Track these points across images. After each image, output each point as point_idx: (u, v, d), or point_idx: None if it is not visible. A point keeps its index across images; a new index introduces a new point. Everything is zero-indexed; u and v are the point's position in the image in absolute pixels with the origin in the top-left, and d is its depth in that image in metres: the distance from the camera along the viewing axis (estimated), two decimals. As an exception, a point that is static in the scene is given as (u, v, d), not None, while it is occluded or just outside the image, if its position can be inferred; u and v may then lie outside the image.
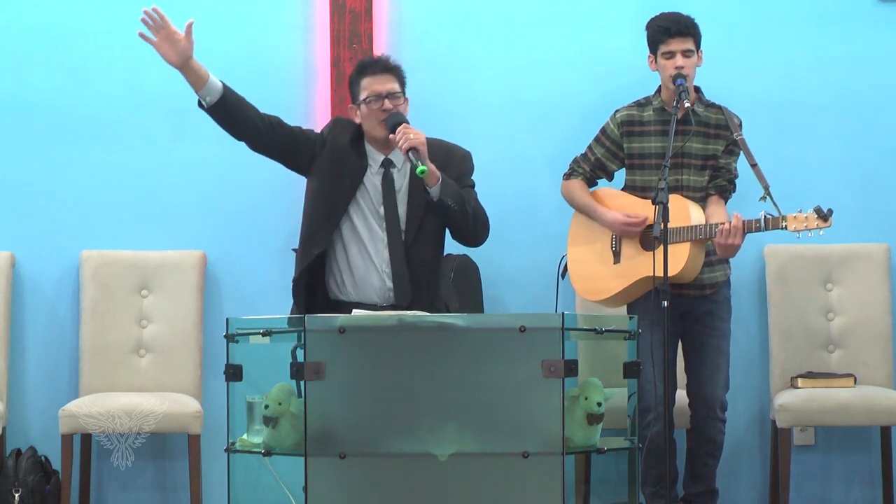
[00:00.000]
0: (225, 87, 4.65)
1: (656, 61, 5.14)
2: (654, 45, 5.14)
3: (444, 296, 4.87)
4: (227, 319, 4.08)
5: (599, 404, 3.93)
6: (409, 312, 4.25)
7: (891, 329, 5.63)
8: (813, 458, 5.77)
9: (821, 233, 4.83)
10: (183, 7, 5.76)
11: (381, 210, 4.75)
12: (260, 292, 5.70)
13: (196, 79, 4.61)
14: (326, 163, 4.79)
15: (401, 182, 4.80)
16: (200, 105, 4.68)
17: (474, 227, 4.81)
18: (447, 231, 4.85)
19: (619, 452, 4.23)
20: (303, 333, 3.87)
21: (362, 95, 4.80)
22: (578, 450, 3.98)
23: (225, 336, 4.07)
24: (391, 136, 4.69)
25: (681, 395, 5.28)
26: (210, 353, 5.60)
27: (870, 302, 5.64)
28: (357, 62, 4.99)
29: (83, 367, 5.58)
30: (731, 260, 5.24)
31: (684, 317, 5.15)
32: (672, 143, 4.88)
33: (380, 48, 5.65)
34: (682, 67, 5.04)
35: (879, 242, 5.70)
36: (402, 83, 4.84)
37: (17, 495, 5.34)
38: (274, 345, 4.10)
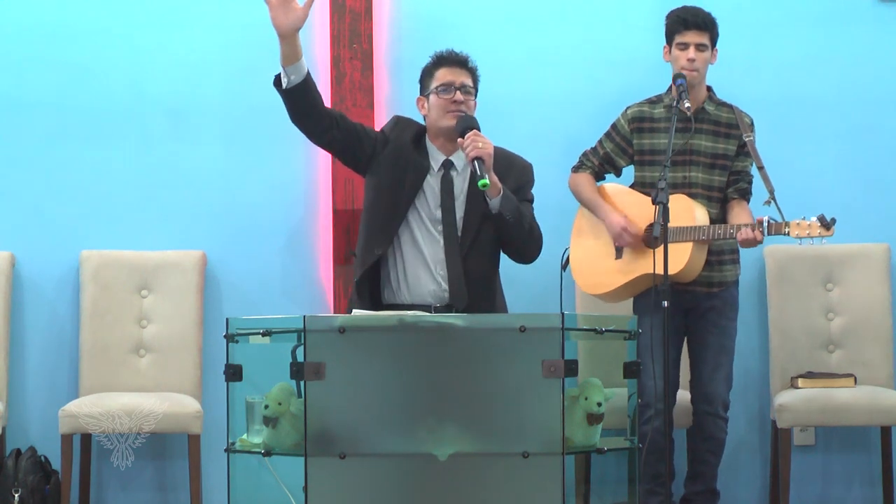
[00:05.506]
0: (308, 71, 4.50)
1: (670, 52, 5.16)
2: (670, 36, 5.16)
3: (500, 310, 4.73)
4: (227, 319, 4.08)
5: (599, 404, 3.93)
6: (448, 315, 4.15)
7: (891, 329, 5.62)
8: (813, 458, 5.77)
9: (822, 241, 4.82)
10: (183, 5, 5.78)
11: (439, 213, 4.65)
12: (260, 292, 5.70)
13: (292, 52, 4.40)
14: (388, 162, 4.68)
15: (460, 186, 4.69)
16: (276, 84, 4.49)
17: (528, 244, 4.71)
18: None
19: (619, 452, 4.23)
20: (303, 333, 3.87)
21: (433, 85, 4.71)
22: (578, 450, 3.97)
23: (225, 336, 4.06)
24: (459, 139, 4.58)
25: (682, 395, 5.28)
26: (210, 353, 5.59)
27: (870, 302, 5.64)
28: (434, 54, 4.81)
29: (83, 367, 5.58)
30: (730, 259, 5.26)
31: (688, 313, 5.16)
32: (672, 141, 4.89)
33: (380, 48, 5.65)
34: (693, 60, 5.07)
35: (879, 242, 5.69)
36: (476, 85, 4.74)
37: (16, 495, 5.34)
38: (274, 345, 4.10)
